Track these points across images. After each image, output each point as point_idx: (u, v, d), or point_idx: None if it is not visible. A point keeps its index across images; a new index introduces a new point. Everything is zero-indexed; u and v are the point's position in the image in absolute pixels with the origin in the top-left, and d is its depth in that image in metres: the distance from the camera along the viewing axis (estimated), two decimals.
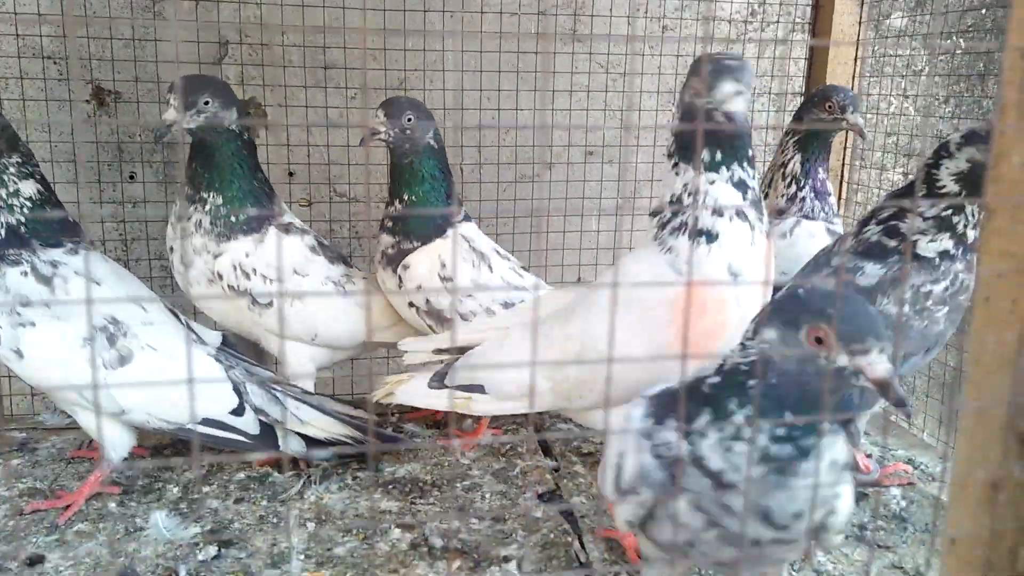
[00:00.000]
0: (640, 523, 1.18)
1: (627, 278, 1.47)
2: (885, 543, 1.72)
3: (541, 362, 1.59)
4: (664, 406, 1.17)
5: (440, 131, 2.06)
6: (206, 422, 1.78)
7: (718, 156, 1.42)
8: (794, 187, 2.21)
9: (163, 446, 2.07)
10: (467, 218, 2.17)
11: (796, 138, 2.22)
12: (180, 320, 1.90)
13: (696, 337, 1.38)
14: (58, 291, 1.70)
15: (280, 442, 1.85)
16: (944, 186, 1.65)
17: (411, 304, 2.07)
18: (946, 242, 1.64)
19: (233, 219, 1.97)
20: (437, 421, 2.24)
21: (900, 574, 1.63)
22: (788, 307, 1.08)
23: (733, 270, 1.43)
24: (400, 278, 2.04)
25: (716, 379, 1.11)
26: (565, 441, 2.17)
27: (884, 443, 2.21)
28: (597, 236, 2.75)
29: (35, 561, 1.58)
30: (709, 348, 1.41)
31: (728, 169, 1.43)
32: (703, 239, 1.43)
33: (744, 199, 1.44)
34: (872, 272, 1.67)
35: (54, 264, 1.73)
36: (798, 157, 2.21)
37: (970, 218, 1.63)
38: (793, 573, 1.60)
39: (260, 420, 1.83)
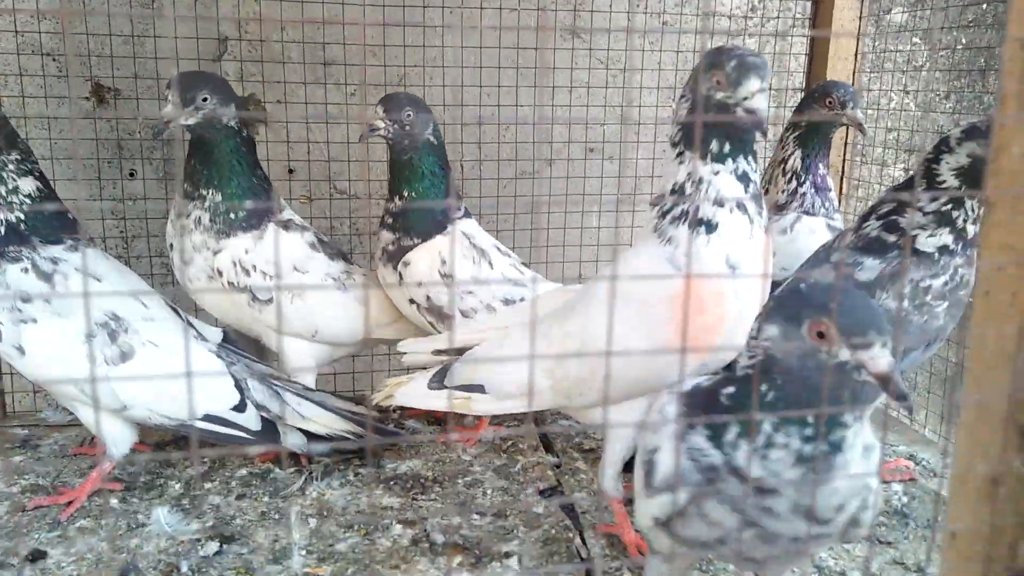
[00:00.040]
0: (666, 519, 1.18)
1: (627, 275, 1.47)
2: (886, 539, 1.72)
3: (540, 355, 1.59)
4: (695, 407, 1.17)
5: (440, 127, 2.06)
6: (207, 418, 1.78)
7: (726, 148, 1.42)
8: (794, 183, 2.20)
9: (165, 443, 2.07)
10: (467, 214, 2.17)
11: (796, 134, 2.22)
12: (181, 316, 1.90)
13: (695, 333, 1.38)
14: (58, 288, 1.71)
15: (281, 438, 1.85)
16: (944, 181, 1.64)
17: (412, 301, 2.07)
18: (945, 237, 1.64)
19: (232, 216, 1.97)
20: (439, 418, 2.24)
21: (901, 570, 1.63)
22: (789, 302, 1.09)
23: (731, 262, 1.43)
24: (400, 275, 2.04)
25: (731, 389, 1.12)
26: (566, 437, 2.17)
27: (885, 439, 2.21)
28: (598, 232, 2.75)
29: (37, 557, 1.58)
30: (708, 343, 1.41)
31: (734, 162, 1.43)
32: (702, 229, 1.43)
33: (746, 193, 1.44)
34: (871, 267, 1.67)
35: (54, 261, 1.73)
36: (798, 153, 2.20)
37: (969, 213, 1.63)
38: (795, 569, 1.60)
39: (262, 416, 1.83)
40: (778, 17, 2.78)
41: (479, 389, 1.67)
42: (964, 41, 2.51)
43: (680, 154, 1.49)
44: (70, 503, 1.74)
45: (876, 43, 2.69)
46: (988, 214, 0.89)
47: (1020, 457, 0.85)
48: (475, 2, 2.50)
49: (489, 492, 1.89)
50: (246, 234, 1.98)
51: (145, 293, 1.85)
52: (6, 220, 1.72)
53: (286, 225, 2.08)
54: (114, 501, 1.79)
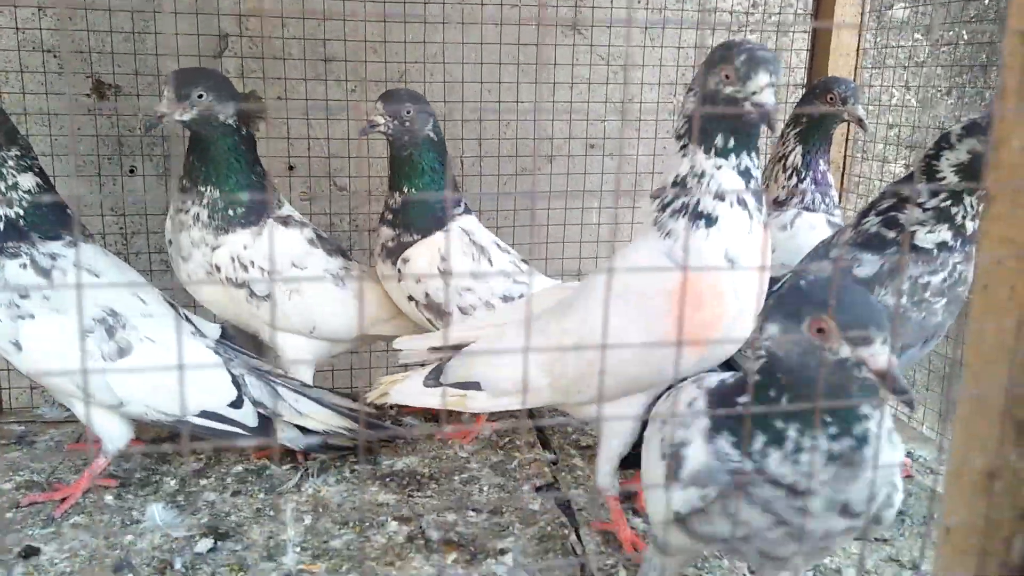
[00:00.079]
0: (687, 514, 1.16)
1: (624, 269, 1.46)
2: (882, 536, 1.71)
3: (535, 348, 1.58)
4: (719, 406, 1.17)
5: (440, 123, 2.06)
6: (204, 414, 1.78)
7: (731, 143, 1.42)
8: (795, 179, 2.19)
9: (161, 439, 2.07)
10: (467, 211, 2.16)
11: (797, 130, 2.21)
12: (179, 312, 1.90)
13: (694, 328, 1.38)
14: (57, 284, 1.70)
15: (278, 434, 1.84)
16: (944, 177, 1.63)
17: (410, 298, 2.06)
18: (944, 233, 1.63)
19: (231, 212, 1.96)
20: (435, 415, 2.24)
21: (896, 567, 1.62)
22: (790, 299, 1.08)
23: (730, 256, 1.42)
24: (400, 271, 2.04)
25: (746, 399, 1.11)
26: (563, 434, 2.16)
27: None
28: (598, 229, 2.75)
29: (29, 553, 1.58)
30: (707, 337, 1.40)
31: (737, 157, 1.43)
32: (702, 222, 1.42)
33: (747, 188, 1.43)
34: (870, 263, 1.66)
35: (53, 256, 1.73)
36: (799, 149, 2.19)
37: (968, 209, 1.62)
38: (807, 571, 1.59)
39: (259, 412, 1.82)
40: (780, 13, 2.77)
41: (475, 386, 1.66)
42: (966, 37, 2.49)
43: (684, 147, 1.48)
44: (64, 499, 1.74)
45: (877, 39, 2.68)
46: (988, 207, 0.88)
47: (1016, 451, 0.84)
48: None
49: (485, 489, 1.89)
50: (244, 230, 1.97)
51: (143, 288, 1.85)
52: (5, 216, 1.72)
53: (285, 221, 2.07)
54: (108, 497, 1.79)
